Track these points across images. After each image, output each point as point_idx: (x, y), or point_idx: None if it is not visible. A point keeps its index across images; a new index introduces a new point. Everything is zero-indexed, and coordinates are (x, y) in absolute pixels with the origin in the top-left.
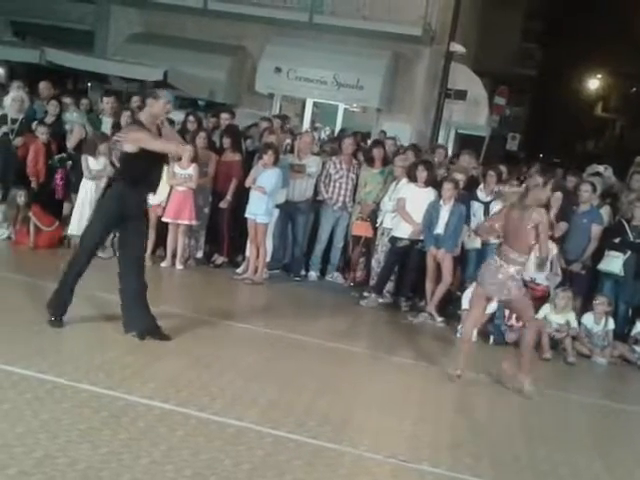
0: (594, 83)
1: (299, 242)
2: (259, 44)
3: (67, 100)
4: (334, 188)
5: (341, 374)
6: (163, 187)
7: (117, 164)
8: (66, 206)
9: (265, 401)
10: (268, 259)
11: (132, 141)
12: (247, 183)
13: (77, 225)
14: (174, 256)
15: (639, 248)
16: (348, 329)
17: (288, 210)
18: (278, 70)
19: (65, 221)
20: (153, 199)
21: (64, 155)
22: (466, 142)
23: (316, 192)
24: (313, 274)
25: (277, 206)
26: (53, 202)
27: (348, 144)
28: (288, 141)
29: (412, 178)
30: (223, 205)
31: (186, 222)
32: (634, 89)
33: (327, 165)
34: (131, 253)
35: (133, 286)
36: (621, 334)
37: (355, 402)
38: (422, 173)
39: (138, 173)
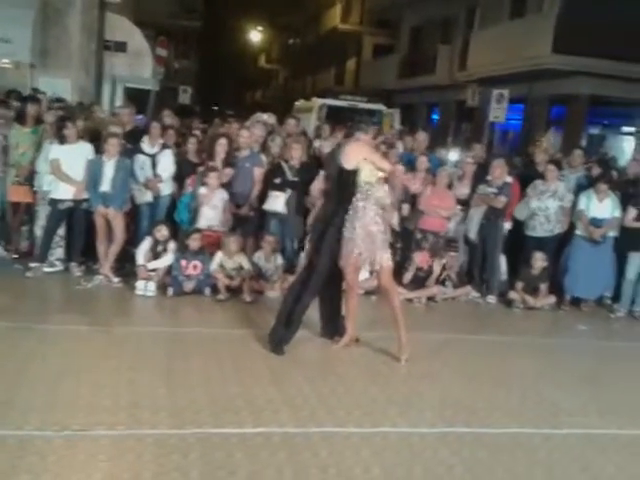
0: (256, 35)
1: None
2: None
3: None
4: None
5: (5, 355)
6: None
7: None
8: None
9: None
10: None
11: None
12: None
13: None
14: None
15: (297, 186)
16: (13, 305)
17: None
18: None
19: None
20: None
21: None
22: (134, 96)
23: None
24: None
25: None
26: None
27: None
28: None
29: (60, 136)
30: None
31: None
32: (292, 41)
33: None
34: None
35: None
36: (290, 267)
37: (22, 381)
38: (71, 130)
39: None
